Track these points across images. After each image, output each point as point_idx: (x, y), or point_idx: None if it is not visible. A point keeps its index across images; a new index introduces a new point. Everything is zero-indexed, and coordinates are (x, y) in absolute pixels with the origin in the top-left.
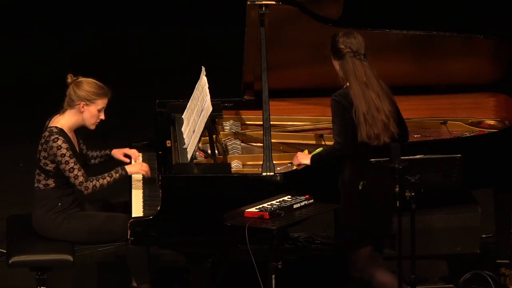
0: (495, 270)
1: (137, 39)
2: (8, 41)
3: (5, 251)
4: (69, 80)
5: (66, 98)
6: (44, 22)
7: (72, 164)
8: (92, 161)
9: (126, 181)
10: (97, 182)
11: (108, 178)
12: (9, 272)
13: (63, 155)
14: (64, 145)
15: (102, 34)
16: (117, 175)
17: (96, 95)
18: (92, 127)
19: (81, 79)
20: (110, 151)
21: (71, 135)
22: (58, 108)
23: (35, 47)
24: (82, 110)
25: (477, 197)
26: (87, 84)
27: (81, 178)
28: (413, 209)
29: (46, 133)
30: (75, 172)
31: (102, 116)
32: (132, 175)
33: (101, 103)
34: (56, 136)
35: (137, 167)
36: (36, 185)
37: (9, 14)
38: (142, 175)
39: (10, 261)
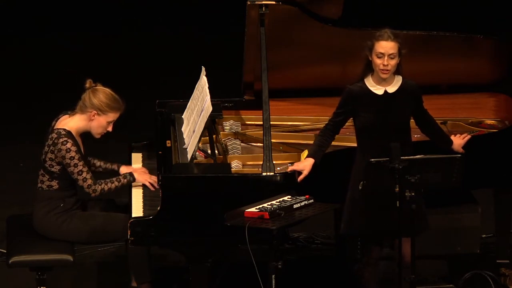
0: (495, 270)
1: (137, 39)
2: (8, 41)
3: (5, 251)
4: (87, 85)
5: (79, 101)
6: (44, 22)
7: (81, 167)
8: (92, 168)
9: None
10: (106, 186)
11: (116, 183)
12: (9, 272)
13: (72, 158)
14: (73, 148)
15: (102, 34)
16: (125, 180)
17: (109, 107)
18: (97, 136)
19: (99, 87)
20: (118, 167)
21: (77, 139)
22: (58, 108)
23: (35, 47)
24: (92, 118)
25: (477, 197)
26: (103, 94)
27: (89, 181)
28: (413, 209)
29: (54, 135)
30: (84, 175)
31: (110, 128)
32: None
33: (112, 116)
34: (65, 139)
35: (145, 176)
36: (39, 185)
37: (9, 14)
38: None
39: (10, 261)
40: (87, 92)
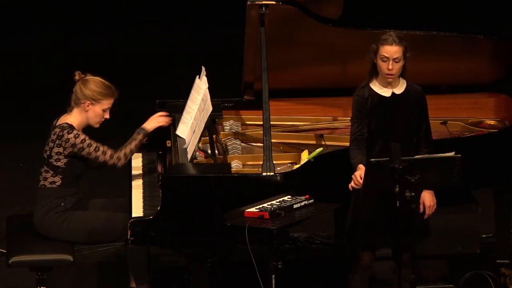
0: (495, 270)
1: (137, 38)
2: (8, 41)
3: (5, 251)
4: (76, 77)
5: (72, 95)
6: (44, 21)
7: (95, 144)
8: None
9: (126, 181)
10: (126, 149)
11: (134, 142)
12: (9, 272)
13: (83, 141)
14: (81, 133)
15: (102, 34)
16: (140, 136)
17: (102, 95)
18: (96, 126)
19: (89, 77)
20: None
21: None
22: (58, 108)
23: (36, 46)
24: (86, 109)
25: (477, 197)
26: (94, 83)
27: (110, 152)
28: (413, 209)
29: (57, 130)
30: (102, 148)
31: (107, 116)
32: (132, 176)
33: (107, 103)
34: (69, 129)
35: (154, 122)
36: (41, 183)
37: (9, 13)
38: (142, 174)
39: (10, 261)
40: (78, 84)
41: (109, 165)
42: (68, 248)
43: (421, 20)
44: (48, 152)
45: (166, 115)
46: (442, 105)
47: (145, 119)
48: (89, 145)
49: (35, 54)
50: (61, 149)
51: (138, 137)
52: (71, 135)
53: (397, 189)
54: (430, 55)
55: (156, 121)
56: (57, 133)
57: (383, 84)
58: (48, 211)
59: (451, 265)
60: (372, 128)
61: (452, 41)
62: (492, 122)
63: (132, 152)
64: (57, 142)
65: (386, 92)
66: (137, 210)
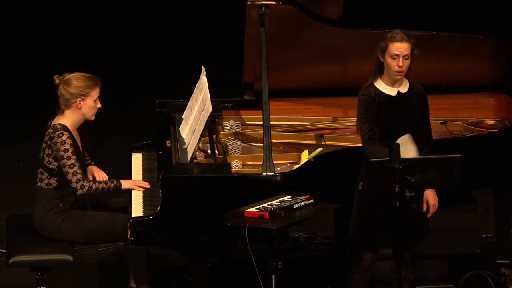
0: (495, 270)
1: (137, 38)
2: (8, 41)
3: (5, 251)
4: (57, 81)
5: (59, 99)
6: (44, 21)
7: (73, 161)
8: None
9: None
10: (94, 185)
11: (104, 185)
12: (9, 272)
13: (66, 150)
14: (68, 141)
15: (102, 34)
16: (112, 185)
17: (88, 87)
18: (92, 118)
19: (68, 76)
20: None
21: (74, 133)
22: (58, 108)
23: (36, 46)
24: (79, 107)
25: (477, 197)
26: (76, 80)
27: (79, 176)
28: (413, 209)
29: (50, 130)
30: (75, 169)
31: (99, 105)
32: (132, 175)
33: (95, 93)
34: (61, 131)
35: (130, 183)
36: (38, 184)
37: (9, 13)
38: (142, 174)
39: (10, 261)
40: (61, 87)
41: (70, 186)
42: (68, 248)
43: (421, 20)
44: (41, 154)
45: (149, 186)
46: (442, 105)
47: (145, 119)
48: (68, 158)
49: (35, 54)
50: (50, 151)
51: (110, 184)
52: (59, 139)
53: (397, 189)
54: (430, 55)
55: (134, 184)
56: (49, 134)
57: (388, 83)
58: (47, 212)
59: (451, 265)
60: (382, 126)
61: (452, 41)
62: (492, 122)
63: (96, 191)
64: (48, 143)
65: (392, 91)
66: (137, 210)
